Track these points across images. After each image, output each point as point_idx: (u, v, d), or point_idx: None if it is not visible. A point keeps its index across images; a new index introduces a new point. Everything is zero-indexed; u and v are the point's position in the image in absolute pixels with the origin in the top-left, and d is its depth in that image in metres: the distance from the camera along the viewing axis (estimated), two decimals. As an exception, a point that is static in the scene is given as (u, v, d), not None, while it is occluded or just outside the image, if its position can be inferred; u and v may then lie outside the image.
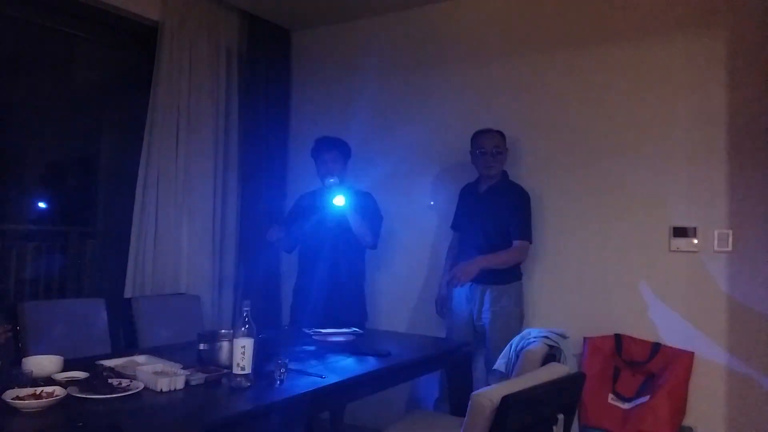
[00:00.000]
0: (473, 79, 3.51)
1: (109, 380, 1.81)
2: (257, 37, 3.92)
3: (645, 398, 2.74)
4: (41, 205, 3.75)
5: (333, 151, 3.25)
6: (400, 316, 3.65)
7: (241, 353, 1.88)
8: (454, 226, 3.36)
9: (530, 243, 3.05)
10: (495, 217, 3.06)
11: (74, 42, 3.66)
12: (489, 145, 3.07)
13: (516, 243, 3.00)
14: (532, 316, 3.20)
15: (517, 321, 3.08)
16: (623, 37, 3.09)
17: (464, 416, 1.70)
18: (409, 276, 3.68)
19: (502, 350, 2.86)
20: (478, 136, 3.13)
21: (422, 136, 3.66)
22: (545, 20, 3.31)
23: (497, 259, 2.97)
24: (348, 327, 2.90)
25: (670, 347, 2.83)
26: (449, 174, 3.53)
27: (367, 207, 3.26)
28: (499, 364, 2.74)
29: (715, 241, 2.84)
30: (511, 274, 3.07)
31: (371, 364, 2.34)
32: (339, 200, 3.05)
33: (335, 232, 3.19)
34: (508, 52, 3.41)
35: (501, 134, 3.12)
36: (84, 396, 1.70)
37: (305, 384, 1.99)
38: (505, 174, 3.16)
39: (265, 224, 3.56)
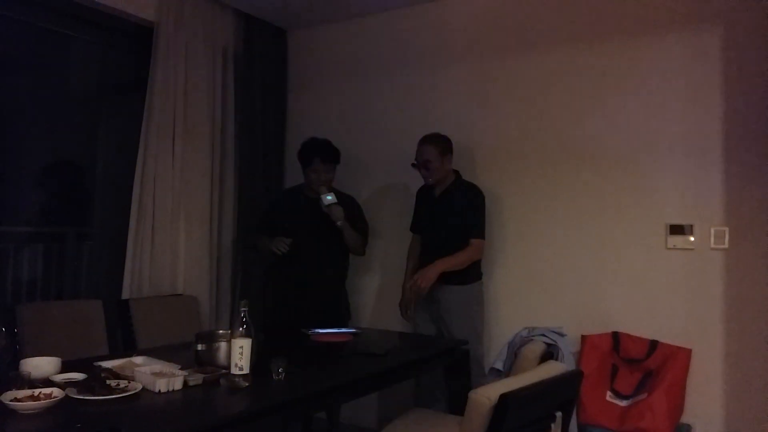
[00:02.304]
0: (475, 77, 3.51)
1: (108, 381, 1.81)
2: (253, 37, 3.92)
3: (643, 396, 2.75)
4: (38, 206, 3.74)
5: (329, 161, 3.21)
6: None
7: (239, 353, 1.88)
8: (413, 229, 3.36)
9: (484, 240, 3.05)
10: (453, 219, 3.06)
11: (70, 42, 3.65)
12: (420, 157, 3.08)
13: (472, 242, 3.00)
14: (529, 314, 3.20)
15: (478, 321, 3.12)
16: (619, 34, 3.09)
17: (462, 415, 1.70)
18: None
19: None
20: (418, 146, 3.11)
21: (421, 135, 3.65)
22: (547, 18, 3.31)
23: (455, 260, 2.96)
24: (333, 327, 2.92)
25: (668, 344, 2.83)
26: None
27: (357, 216, 3.30)
28: (497, 362, 2.75)
29: (712, 239, 2.85)
30: (471, 275, 3.09)
31: (370, 363, 2.34)
32: (339, 222, 3.11)
33: (318, 235, 3.21)
34: (515, 48, 3.42)
35: (434, 142, 3.05)
36: (82, 397, 1.70)
37: (304, 384, 2.00)
38: (457, 174, 3.17)
39: (253, 230, 3.56)
